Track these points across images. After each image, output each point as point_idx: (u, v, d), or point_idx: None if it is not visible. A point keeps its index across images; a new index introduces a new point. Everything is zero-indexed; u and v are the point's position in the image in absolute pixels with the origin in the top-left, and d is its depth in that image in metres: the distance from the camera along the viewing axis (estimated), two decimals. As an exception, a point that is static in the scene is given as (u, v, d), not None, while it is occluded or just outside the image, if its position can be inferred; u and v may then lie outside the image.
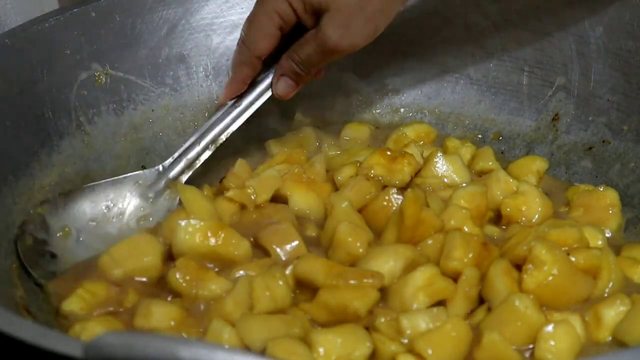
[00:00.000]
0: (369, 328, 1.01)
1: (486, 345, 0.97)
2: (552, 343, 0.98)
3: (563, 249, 1.07)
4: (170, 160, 1.27)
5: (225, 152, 1.34)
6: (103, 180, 1.26)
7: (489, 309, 1.04)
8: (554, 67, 1.40)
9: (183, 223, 1.10)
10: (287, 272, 1.08)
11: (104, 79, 1.34)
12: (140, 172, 1.28)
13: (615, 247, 1.17)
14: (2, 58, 1.22)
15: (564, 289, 1.04)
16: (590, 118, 1.37)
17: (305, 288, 1.07)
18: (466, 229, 1.13)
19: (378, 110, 1.48)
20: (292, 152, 1.33)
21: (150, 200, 1.25)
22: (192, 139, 1.28)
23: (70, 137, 1.29)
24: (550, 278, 1.03)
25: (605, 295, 1.08)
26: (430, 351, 0.95)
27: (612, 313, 1.03)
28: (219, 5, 1.42)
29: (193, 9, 1.40)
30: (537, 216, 1.19)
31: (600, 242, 1.14)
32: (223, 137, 1.29)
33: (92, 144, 1.32)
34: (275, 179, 1.23)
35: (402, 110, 1.48)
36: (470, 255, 1.07)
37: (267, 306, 1.03)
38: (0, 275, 1.08)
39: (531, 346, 1.00)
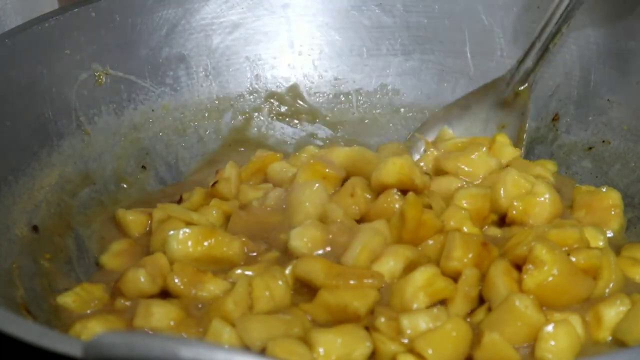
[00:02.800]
0: (369, 328, 1.00)
1: (486, 345, 0.97)
2: (552, 343, 0.98)
3: (563, 249, 1.07)
4: (514, 66, 1.34)
5: (224, 153, 1.34)
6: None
7: (489, 309, 1.04)
8: (554, 67, 1.39)
9: (173, 233, 1.10)
10: (287, 272, 1.08)
11: (104, 79, 1.33)
12: (487, 84, 1.35)
13: (618, 247, 1.17)
14: (2, 58, 1.22)
15: (564, 289, 1.04)
16: (590, 118, 1.37)
17: (305, 288, 1.07)
18: (465, 230, 1.13)
19: (378, 110, 1.48)
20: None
21: (503, 108, 1.33)
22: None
23: (70, 137, 1.29)
24: (551, 278, 1.03)
25: (606, 295, 1.07)
26: (430, 351, 0.95)
27: (612, 313, 1.03)
28: (219, 5, 1.42)
29: (193, 9, 1.40)
30: (546, 216, 1.18)
31: (601, 243, 1.14)
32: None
33: (92, 144, 1.32)
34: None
35: (402, 110, 1.48)
36: (470, 255, 1.07)
37: (267, 306, 1.03)
38: (0, 275, 1.07)
39: (527, 344, 1.00)
